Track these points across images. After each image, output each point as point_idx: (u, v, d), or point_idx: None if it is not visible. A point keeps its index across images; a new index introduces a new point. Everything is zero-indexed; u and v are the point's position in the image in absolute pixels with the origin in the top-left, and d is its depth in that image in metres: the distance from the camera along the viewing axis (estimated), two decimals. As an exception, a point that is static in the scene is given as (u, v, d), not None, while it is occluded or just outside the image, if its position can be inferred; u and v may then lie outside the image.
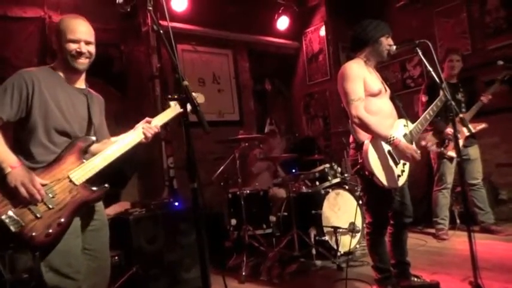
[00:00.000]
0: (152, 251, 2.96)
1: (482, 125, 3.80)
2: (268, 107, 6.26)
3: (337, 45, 5.84)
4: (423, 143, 3.84)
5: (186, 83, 1.55)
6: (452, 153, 3.83)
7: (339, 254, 3.51)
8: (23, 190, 1.60)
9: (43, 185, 1.66)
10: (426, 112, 2.54)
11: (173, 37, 1.53)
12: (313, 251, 3.52)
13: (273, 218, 3.94)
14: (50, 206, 1.66)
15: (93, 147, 1.90)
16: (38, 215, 1.63)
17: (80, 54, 1.83)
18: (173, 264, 3.04)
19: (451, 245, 3.75)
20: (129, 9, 1.76)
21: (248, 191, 3.96)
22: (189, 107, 1.61)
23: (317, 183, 4.10)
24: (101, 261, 1.94)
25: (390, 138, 2.33)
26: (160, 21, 1.63)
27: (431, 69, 2.35)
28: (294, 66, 6.42)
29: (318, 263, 3.49)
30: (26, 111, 1.74)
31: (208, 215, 4.16)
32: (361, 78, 2.41)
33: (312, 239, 3.59)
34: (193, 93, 2.11)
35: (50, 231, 1.65)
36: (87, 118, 1.91)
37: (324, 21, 5.88)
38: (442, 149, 3.87)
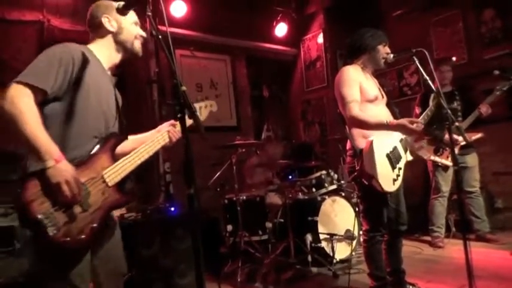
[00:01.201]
0: (147, 256, 2.94)
1: (479, 135, 3.82)
2: (266, 113, 6.27)
3: (335, 53, 5.88)
4: (416, 145, 3.85)
5: (184, 88, 1.54)
6: (445, 161, 3.84)
7: (334, 261, 3.51)
8: (66, 188, 1.41)
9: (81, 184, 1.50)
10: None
11: (171, 42, 1.53)
12: (309, 258, 3.51)
13: (269, 225, 3.93)
14: (85, 208, 1.50)
15: (119, 149, 1.74)
16: (73, 218, 1.46)
17: (141, 36, 1.80)
18: (168, 269, 3.02)
19: (446, 253, 3.75)
20: (127, 14, 1.75)
21: (244, 197, 3.95)
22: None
23: (313, 189, 4.10)
24: (116, 260, 1.76)
25: (386, 122, 2.34)
26: (159, 26, 1.63)
27: (427, 77, 2.37)
28: (291, 73, 6.44)
29: (314, 269, 3.48)
30: (65, 90, 1.54)
31: (204, 220, 4.14)
32: (357, 83, 2.44)
33: (308, 246, 3.58)
34: (207, 101, 2.13)
35: (83, 237, 1.47)
36: (116, 110, 1.78)
37: (322, 28, 5.92)
38: (435, 157, 3.89)
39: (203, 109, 2.11)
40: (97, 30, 1.77)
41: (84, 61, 1.60)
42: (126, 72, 4.64)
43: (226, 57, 5.55)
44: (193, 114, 1.48)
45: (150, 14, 1.65)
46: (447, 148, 3.81)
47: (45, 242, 1.40)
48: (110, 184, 1.61)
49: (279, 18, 5.67)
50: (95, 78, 1.65)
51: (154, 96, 4.46)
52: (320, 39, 5.94)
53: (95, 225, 1.52)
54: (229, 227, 3.86)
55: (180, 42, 4.86)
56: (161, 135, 1.84)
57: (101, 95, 1.67)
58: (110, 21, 1.75)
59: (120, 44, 1.78)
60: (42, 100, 1.51)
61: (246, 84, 5.81)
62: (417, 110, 3.94)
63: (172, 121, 1.89)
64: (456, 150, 3.80)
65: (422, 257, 3.69)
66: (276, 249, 3.63)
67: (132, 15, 1.82)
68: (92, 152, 1.59)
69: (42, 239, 1.40)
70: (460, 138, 3.60)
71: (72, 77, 1.55)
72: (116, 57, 1.80)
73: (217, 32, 5.23)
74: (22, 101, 1.42)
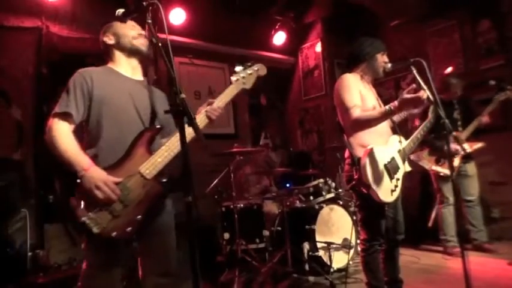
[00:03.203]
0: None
1: (479, 144, 3.84)
2: (263, 121, 6.28)
3: (333, 62, 5.91)
4: (412, 157, 3.86)
5: (183, 95, 1.55)
6: (446, 170, 3.85)
7: (332, 270, 3.49)
8: (98, 192, 1.60)
9: (117, 183, 1.65)
10: (416, 132, 2.61)
11: (171, 50, 1.54)
12: (307, 267, 3.49)
13: (266, 233, 3.91)
14: (126, 204, 1.66)
15: (164, 141, 1.86)
16: (116, 214, 1.63)
17: (140, 35, 1.95)
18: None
19: (443, 263, 3.74)
20: (127, 21, 1.76)
21: (242, 205, 3.94)
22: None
23: (311, 198, 4.10)
24: (167, 265, 1.87)
25: (388, 107, 2.29)
26: (159, 34, 1.64)
27: (425, 87, 2.38)
28: (289, 81, 6.47)
29: (311, 278, 3.45)
30: (89, 106, 1.77)
31: (201, 228, 4.12)
32: (357, 89, 2.45)
33: (305, 255, 3.56)
34: (254, 66, 2.09)
35: (129, 229, 1.65)
36: (150, 108, 1.90)
37: (320, 37, 5.96)
38: (436, 167, 3.90)
39: (248, 77, 2.06)
40: (106, 50, 1.98)
41: (96, 75, 1.81)
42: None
43: (224, 66, 5.57)
44: (192, 122, 1.48)
45: (150, 21, 1.66)
46: None
47: (96, 238, 1.61)
48: (148, 177, 1.73)
49: (277, 27, 5.71)
50: (112, 85, 1.83)
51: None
52: (318, 48, 5.98)
53: (139, 217, 1.68)
54: (226, 235, 3.83)
55: (179, 50, 4.87)
56: (199, 117, 1.89)
57: (122, 97, 1.83)
58: (108, 36, 1.96)
59: (124, 49, 1.95)
60: (78, 121, 1.76)
61: (243, 92, 5.81)
62: (416, 122, 3.95)
63: (209, 100, 1.96)
64: (458, 160, 3.83)
65: (419, 267, 3.68)
66: (273, 258, 3.61)
67: (129, 24, 1.95)
68: (127, 150, 1.74)
69: (92, 237, 1.60)
70: (464, 146, 3.64)
71: (90, 91, 1.77)
72: (132, 62, 1.98)
73: (216, 40, 5.25)
74: (53, 129, 1.71)
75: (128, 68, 1.95)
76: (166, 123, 1.95)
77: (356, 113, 2.37)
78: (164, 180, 1.79)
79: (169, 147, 1.78)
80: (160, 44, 1.59)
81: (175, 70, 1.53)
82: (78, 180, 1.63)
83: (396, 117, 2.63)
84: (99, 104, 1.77)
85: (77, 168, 1.63)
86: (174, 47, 1.51)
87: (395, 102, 2.27)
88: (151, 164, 1.74)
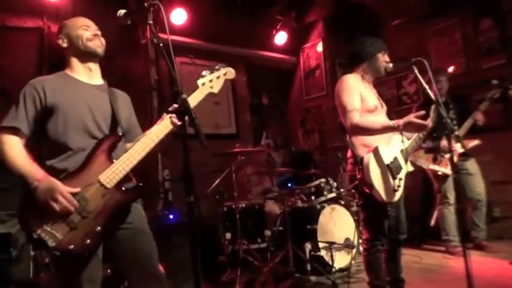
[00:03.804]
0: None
1: (476, 142, 3.84)
2: (265, 120, 6.28)
3: (334, 62, 5.91)
4: (412, 156, 3.85)
5: (184, 96, 1.55)
6: (444, 169, 3.84)
7: (334, 269, 3.49)
8: (54, 204, 1.53)
9: (74, 193, 1.58)
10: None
11: (172, 50, 1.54)
12: (308, 267, 3.49)
13: (268, 233, 3.91)
14: (84, 215, 1.58)
15: (129, 146, 1.81)
16: (74, 226, 1.56)
17: (95, 35, 1.83)
18: (166, 278, 2.98)
19: (445, 263, 3.73)
20: (129, 22, 1.76)
21: (244, 205, 3.94)
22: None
23: (313, 197, 4.10)
24: (150, 269, 1.82)
25: (392, 123, 2.30)
26: (160, 34, 1.64)
27: (426, 86, 2.39)
28: (291, 81, 6.47)
29: (313, 278, 3.45)
30: (42, 118, 1.68)
31: (203, 228, 4.12)
32: (358, 91, 2.44)
33: (307, 254, 3.56)
34: (222, 69, 1.96)
35: (88, 241, 1.57)
36: (111, 113, 1.81)
37: (321, 37, 5.96)
38: (434, 166, 3.89)
39: (215, 81, 1.94)
40: (64, 54, 1.87)
41: (48, 84, 1.72)
42: (126, 80, 4.66)
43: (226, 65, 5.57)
44: (193, 123, 1.48)
45: (151, 22, 1.67)
46: (445, 156, 3.81)
47: (51, 252, 1.54)
48: (108, 186, 1.65)
49: (278, 26, 5.70)
50: (68, 92, 1.74)
51: (154, 103, 4.46)
52: (319, 47, 5.97)
53: (99, 228, 1.60)
54: (228, 235, 3.83)
55: (180, 50, 4.87)
56: (163, 123, 1.80)
57: (79, 104, 1.74)
58: (62, 39, 1.84)
59: (78, 53, 1.83)
60: (28, 133, 1.67)
61: (245, 92, 5.82)
62: None
63: (173, 105, 1.83)
64: (455, 158, 3.82)
65: (421, 266, 3.67)
66: (275, 258, 3.61)
67: (79, 21, 1.87)
68: (85, 159, 1.67)
69: (47, 250, 1.54)
70: (458, 145, 3.63)
71: (42, 102, 1.68)
72: (89, 65, 1.86)
73: (217, 39, 5.25)
74: (1, 142, 1.64)
75: (84, 72, 1.84)
76: (129, 129, 1.89)
77: (355, 118, 2.36)
78: (127, 187, 1.72)
79: (132, 155, 1.71)
80: (161, 44, 1.60)
81: (177, 70, 1.54)
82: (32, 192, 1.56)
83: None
84: (54, 114, 1.68)
85: (29, 180, 1.56)
86: (175, 47, 1.51)
87: (401, 122, 2.29)
88: (112, 172, 1.66)
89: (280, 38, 5.77)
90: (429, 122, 2.30)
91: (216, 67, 1.97)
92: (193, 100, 1.84)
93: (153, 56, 4.49)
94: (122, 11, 1.72)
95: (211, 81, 1.92)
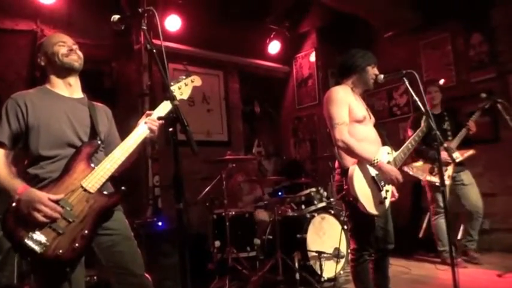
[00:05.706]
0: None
1: (470, 152, 3.88)
2: (257, 129, 6.29)
3: (327, 71, 5.96)
4: (405, 168, 3.88)
5: (176, 102, 1.55)
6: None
7: (322, 279, 3.48)
8: (37, 215, 1.56)
9: (58, 200, 1.61)
10: (408, 142, 2.60)
11: (165, 56, 1.54)
12: (297, 276, 3.47)
13: (257, 241, 3.90)
14: (70, 220, 1.62)
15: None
16: (60, 231, 1.59)
17: (71, 51, 1.86)
18: (154, 285, 2.95)
19: (434, 273, 3.75)
20: (123, 28, 1.76)
21: (233, 213, 3.92)
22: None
23: (303, 206, 4.10)
24: (136, 276, 1.83)
25: (374, 160, 2.36)
26: (154, 40, 1.65)
27: (417, 98, 2.42)
28: (283, 90, 6.50)
29: (301, 288, 3.45)
30: (25, 131, 1.73)
31: (192, 236, 4.09)
32: (347, 103, 2.46)
33: (296, 264, 3.55)
34: (189, 77, 2.04)
35: (76, 245, 1.61)
36: (90, 125, 1.86)
37: (314, 47, 6.01)
38: (431, 177, 3.92)
39: (184, 88, 2.03)
40: (42, 71, 1.91)
41: (29, 99, 1.77)
42: (118, 85, 4.64)
43: (219, 73, 5.59)
44: (185, 129, 1.48)
45: (145, 28, 1.67)
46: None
47: (40, 259, 1.56)
48: (91, 191, 1.70)
49: (272, 36, 5.75)
50: (49, 106, 1.79)
51: (145, 109, 4.44)
52: (312, 57, 6.03)
53: (86, 231, 1.64)
54: (217, 243, 3.81)
55: (174, 57, 4.87)
56: (140, 129, 1.85)
57: (60, 117, 1.79)
58: (40, 57, 1.89)
59: (56, 69, 1.87)
60: (11, 147, 1.72)
61: (238, 100, 5.84)
62: (409, 132, 3.97)
63: (147, 111, 1.93)
64: (451, 169, 3.86)
65: (410, 277, 3.68)
66: (264, 267, 3.59)
67: (54, 38, 1.90)
68: (65, 166, 1.71)
69: (36, 258, 1.55)
70: (455, 155, 3.68)
71: (24, 116, 1.73)
72: (68, 80, 1.89)
73: (210, 47, 5.27)
74: None
75: (64, 87, 1.89)
76: (109, 141, 1.94)
77: (343, 134, 2.38)
78: (109, 192, 1.77)
79: (112, 159, 1.76)
80: (154, 50, 1.60)
81: (169, 76, 1.54)
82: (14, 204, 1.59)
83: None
84: (36, 128, 1.73)
85: (11, 193, 1.60)
86: (169, 53, 1.52)
87: (383, 166, 2.35)
88: (94, 178, 1.71)
89: (274, 47, 5.81)
90: (401, 180, 2.37)
91: (183, 76, 2.06)
92: (165, 107, 1.90)
93: (146, 61, 4.49)
94: (116, 16, 1.73)
95: (181, 89, 2.01)
